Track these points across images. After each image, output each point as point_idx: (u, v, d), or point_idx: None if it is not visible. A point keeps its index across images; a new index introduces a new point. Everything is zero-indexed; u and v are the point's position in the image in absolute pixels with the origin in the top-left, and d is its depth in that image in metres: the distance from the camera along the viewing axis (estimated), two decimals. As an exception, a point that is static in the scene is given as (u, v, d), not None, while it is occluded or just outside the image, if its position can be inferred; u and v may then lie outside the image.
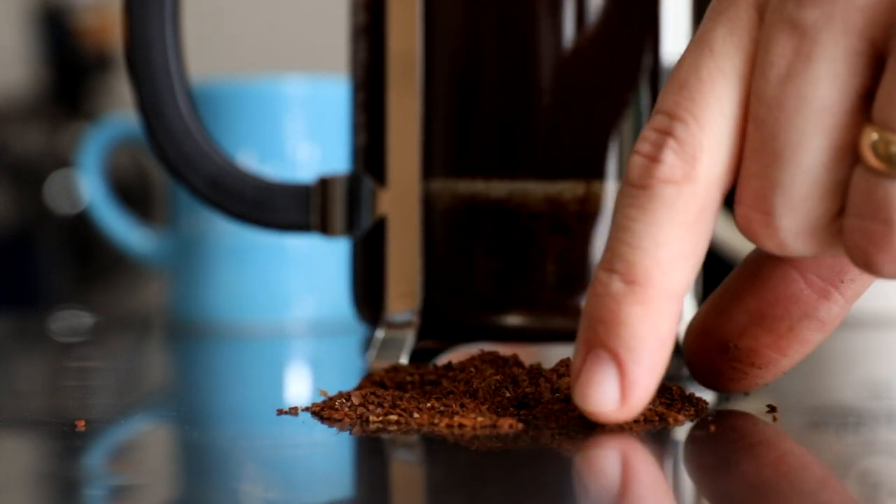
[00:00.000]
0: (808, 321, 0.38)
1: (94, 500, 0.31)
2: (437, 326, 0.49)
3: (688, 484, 0.33)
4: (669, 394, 0.41)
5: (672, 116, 0.35)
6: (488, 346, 0.45)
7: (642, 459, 0.35)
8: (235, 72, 1.11)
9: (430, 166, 0.50)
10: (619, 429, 0.37)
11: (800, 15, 0.33)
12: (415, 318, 0.49)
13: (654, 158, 0.34)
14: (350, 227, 0.52)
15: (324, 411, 0.40)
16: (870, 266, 0.33)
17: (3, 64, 1.38)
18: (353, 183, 0.52)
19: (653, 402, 0.39)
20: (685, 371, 0.49)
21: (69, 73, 1.33)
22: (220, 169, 0.53)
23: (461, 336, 0.50)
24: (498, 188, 0.49)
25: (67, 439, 0.37)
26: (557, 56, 0.49)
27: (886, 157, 0.32)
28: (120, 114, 0.97)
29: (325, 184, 0.53)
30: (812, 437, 0.38)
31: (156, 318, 0.96)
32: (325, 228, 0.53)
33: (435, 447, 0.36)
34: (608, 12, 0.49)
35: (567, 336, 0.49)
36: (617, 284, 0.34)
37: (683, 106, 0.34)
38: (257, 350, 0.69)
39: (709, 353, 0.40)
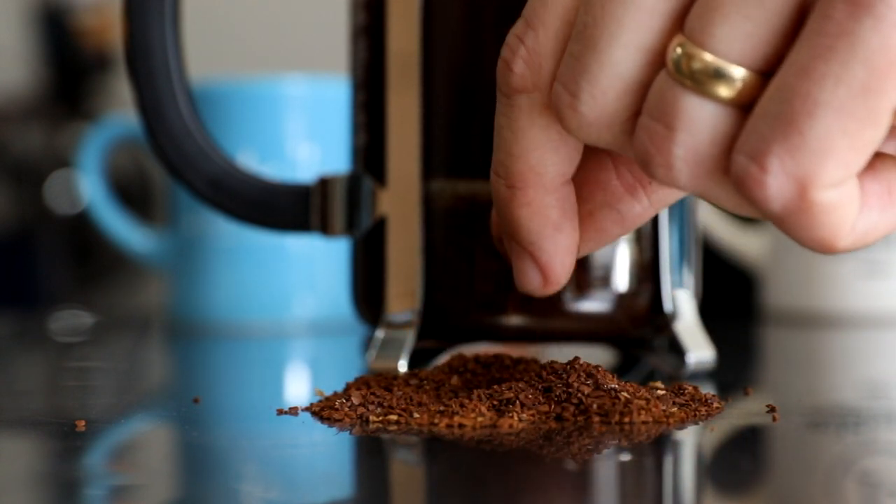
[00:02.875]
0: (609, 211, 0.39)
1: (94, 500, 0.31)
2: (437, 326, 0.49)
3: (688, 484, 0.33)
4: (683, 394, 0.41)
5: (527, 23, 0.36)
6: (488, 347, 0.45)
7: (642, 459, 0.35)
8: (235, 72, 1.11)
9: (430, 166, 0.50)
10: (622, 427, 0.37)
11: None
12: (415, 318, 0.49)
13: (508, 67, 0.36)
14: (350, 227, 0.52)
15: (324, 411, 0.40)
16: (646, 165, 0.34)
17: (3, 64, 1.38)
18: (353, 183, 0.52)
19: (665, 402, 0.39)
20: (687, 370, 0.49)
21: (69, 73, 1.33)
22: (220, 169, 0.53)
23: (461, 336, 0.50)
24: (498, 188, 0.49)
25: (67, 439, 0.37)
26: (557, 56, 0.49)
27: (687, 71, 0.32)
28: (120, 114, 0.97)
29: (325, 184, 0.53)
30: (812, 437, 0.38)
31: (156, 318, 0.96)
32: (325, 228, 0.53)
33: (435, 447, 0.36)
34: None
35: (567, 336, 0.49)
36: (503, 189, 0.37)
37: (537, 13, 0.36)
38: (257, 350, 0.69)
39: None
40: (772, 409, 0.41)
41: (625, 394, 0.39)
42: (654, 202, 0.38)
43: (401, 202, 0.50)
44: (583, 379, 0.39)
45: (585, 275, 0.48)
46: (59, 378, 0.60)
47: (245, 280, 0.78)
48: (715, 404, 0.41)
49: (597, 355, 0.53)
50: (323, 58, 0.99)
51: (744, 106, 0.32)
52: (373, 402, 0.40)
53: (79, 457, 0.36)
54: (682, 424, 0.38)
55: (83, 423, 0.39)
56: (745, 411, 0.41)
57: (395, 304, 0.50)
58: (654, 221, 0.50)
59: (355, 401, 0.40)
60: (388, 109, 0.50)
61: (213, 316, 0.78)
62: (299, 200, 0.53)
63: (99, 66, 1.33)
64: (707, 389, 0.43)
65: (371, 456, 0.36)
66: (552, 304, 0.48)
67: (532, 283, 0.38)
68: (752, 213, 0.34)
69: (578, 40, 0.34)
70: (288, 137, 0.78)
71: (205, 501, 0.31)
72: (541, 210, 0.37)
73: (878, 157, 0.34)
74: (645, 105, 0.34)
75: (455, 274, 0.49)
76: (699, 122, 0.33)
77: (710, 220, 0.87)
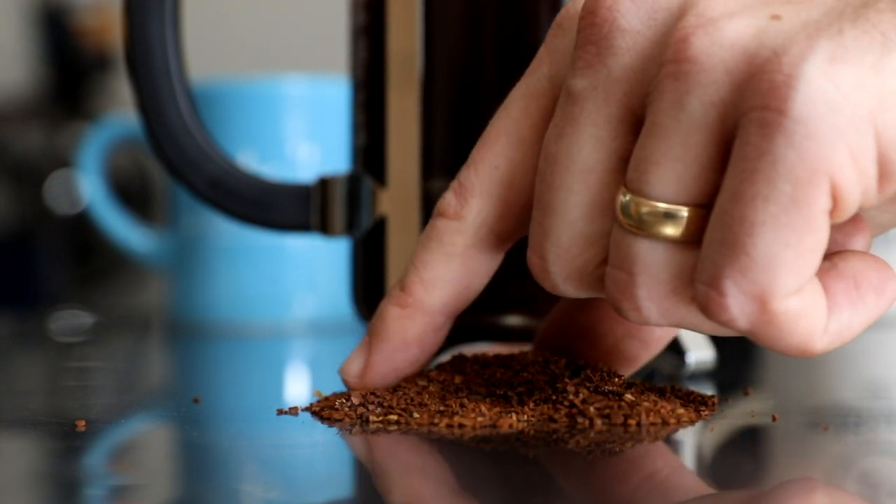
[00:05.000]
0: (631, 340, 0.41)
1: (94, 500, 0.31)
2: (437, 326, 0.49)
3: (687, 483, 0.33)
4: (688, 395, 0.41)
5: (468, 161, 0.39)
6: (488, 346, 0.45)
7: (642, 459, 0.35)
8: (235, 72, 1.11)
9: (430, 166, 0.50)
10: (626, 426, 0.37)
11: (572, 83, 0.36)
12: (415, 318, 0.49)
13: (443, 195, 0.39)
14: (350, 227, 0.52)
15: (324, 411, 0.40)
16: (618, 310, 0.36)
17: (3, 64, 1.38)
18: (353, 183, 0.52)
19: (671, 401, 0.39)
20: (685, 371, 0.49)
21: (69, 73, 1.33)
22: (220, 169, 0.53)
23: (461, 336, 0.50)
24: (498, 188, 0.49)
25: (67, 439, 0.37)
26: (557, 56, 0.49)
27: (635, 218, 0.34)
28: (120, 114, 0.97)
29: (325, 184, 0.53)
30: (812, 437, 0.38)
31: (156, 318, 0.96)
32: (325, 228, 0.53)
33: (435, 447, 0.36)
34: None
35: (567, 336, 0.49)
36: (394, 288, 0.40)
37: (474, 154, 0.39)
38: (257, 350, 0.69)
39: None
40: (774, 420, 0.41)
41: (629, 396, 0.39)
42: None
43: (401, 202, 0.50)
44: (584, 381, 0.39)
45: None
46: (59, 378, 0.60)
47: (245, 280, 0.78)
48: (710, 400, 0.41)
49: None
50: (323, 58, 0.99)
51: (693, 239, 0.34)
52: (373, 402, 0.40)
53: (79, 457, 0.36)
54: (688, 424, 0.38)
55: (83, 423, 0.39)
56: (745, 411, 0.41)
57: (395, 304, 0.49)
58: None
59: (355, 401, 0.40)
60: (388, 109, 0.50)
61: (213, 316, 0.78)
62: (299, 200, 0.53)
63: (99, 66, 1.33)
64: (707, 389, 0.43)
65: (371, 456, 0.36)
66: (552, 305, 0.48)
67: (351, 370, 0.41)
68: (729, 334, 0.35)
69: (537, 207, 0.37)
70: (288, 137, 0.78)
71: (205, 501, 0.31)
72: (407, 320, 0.40)
73: (840, 255, 0.35)
74: (609, 256, 0.36)
75: (455, 274, 0.49)
76: (655, 263, 0.34)
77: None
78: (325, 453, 0.36)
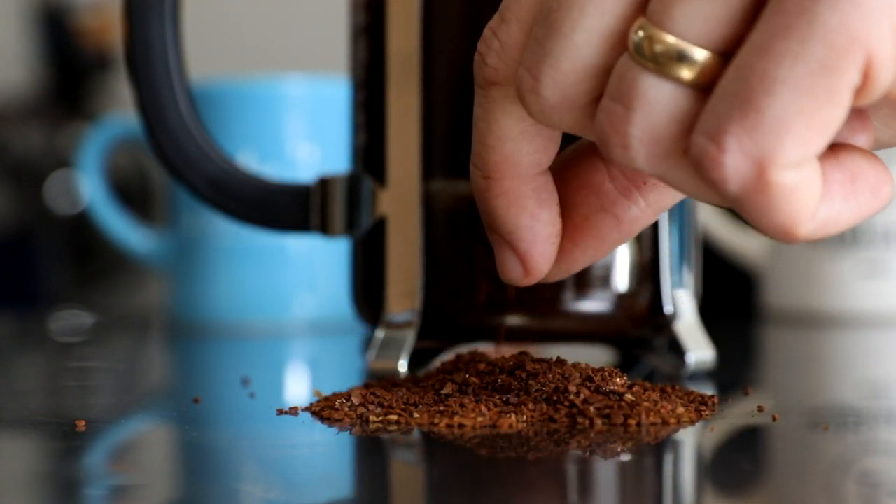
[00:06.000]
0: (605, 215, 0.38)
1: (94, 500, 0.31)
2: (437, 326, 0.49)
3: (687, 483, 0.33)
4: (688, 395, 0.41)
5: (501, 17, 0.36)
6: (488, 347, 0.45)
7: (642, 459, 0.35)
8: (235, 72, 1.11)
9: (430, 166, 0.50)
10: (627, 429, 0.37)
11: None
12: (415, 318, 0.49)
13: (483, 60, 0.37)
14: (350, 227, 0.52)
15: (324, 411, 0.40)
16: (604, 145, 0.34)
17: (3, 64, 1.38)
18: (353, 183, 0.52)
19: (672, 402, 0.39)
20: (685, 371, 0.49)
21: (69, 73, 1.33)
22: (220, 169, 0.53)
23: (461, 336, 0.50)
24: (498, 188, 0.49)
25: (67, 439, 0.37)
26: (557, 56, 0.49)
27: (648, 54, 0.32)
28: (120, 114, 0.97)
29: (325, 184, 0.53)
30: (812, 437, 0.38)
31: (156, 318, 0.96)
32: (325, 228, 0.53)
33: (435, 447, 0.36)
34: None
35: (567, 336, 0.49)
36: (479, 180, 0.38)
37: (510, 7, 0.36)
38: (257, 350, 0.69)
39: None
40: (761, 410, 0.41)
41: (630, 396, 0.39)
42: (651, 204, 0.38)
43: (401, 202, 0.50)
44: (584, 381, 0.39)
45: (585, 275, 0.48)
46: (59, 378, 0.60)
47: (245, 280, 0.78)
48: (710, 400, 0.41)
49: (597, 355, 0.53)
50: (323, 58, 0.99)
51: (703, 87, 0.32)
52: (373, 402, 0.40)
53: (79, 457, 0.36)
54: (689, 424, 0.38)
55: (83, 423, 0.39)
56: (745, 411, 0.41)
57: (395, 304, 0.50)
58: (654, 222, 0.50)
59: (355, 401, 0.40)
60: (388, 109, 0.50)
61: (213, 316, 0.78)
62: (299, 200, 0.53)
63: (99, 66, 1.33)
64: (707, 389, 0.43)
65: (371, 456, 0.36)
66: (552, 304, 0.48)
67: (513, 272, 0.38)
68: (712, 199, 0.33)
69: (542, 25, 0.35)
70: (288, 137, 0.78)
71: (205, 501, 0.31)
72: (517, 200, 0.37)
73: (842, 147, 0.34)
74: (607, 87, 0.34)
75: (455, 274, 0.49)
76: (657, 102, 0.33)
77: (710, 220, 0.87)
78: (325, 453, 0.36)
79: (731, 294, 0.90)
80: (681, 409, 0.39)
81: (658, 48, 0.32)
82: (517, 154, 0.37)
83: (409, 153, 0.50)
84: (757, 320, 0.85)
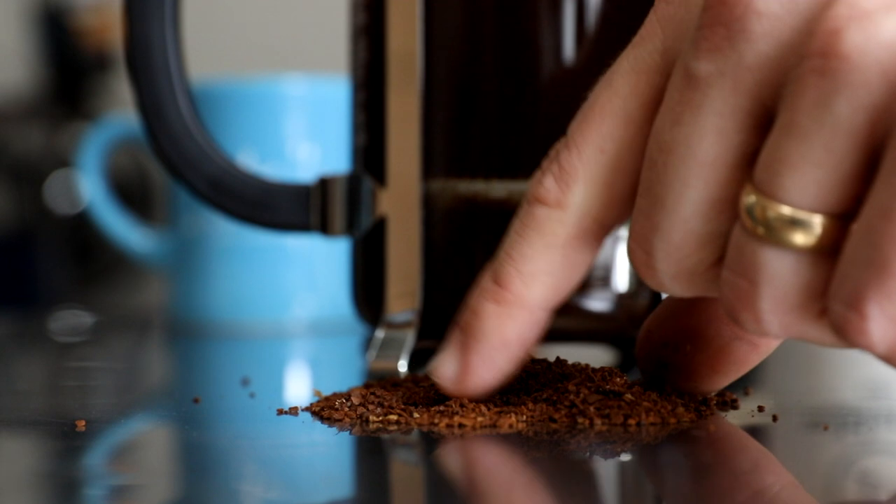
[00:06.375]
0: (740, 343, 0.39)
1: (94, 500, 0.31)
2: (437, 326, 0.49)
3: (687, 483, 0.33)
4: (688, 396, 0.41)
5: (566, 142, 0.36)
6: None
7: (642, 459, 0.35)
8: (235, 72, 1.11)
9: (430, 166, 0.50)
10: (625, 426, 0.37)
11: (695, 66, 0.33)
12: (415, 318, 0.49)
13: (539, 179, 0.37)
14: (350, 227, 0.52)
15: (324, 411, 0.40)
16: (734, 319, 0.33)
17: (3, 64, 1.38)
18: (353, 183, 0.52)
19: (671, 401, 0.39)
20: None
21: (69, 73, 1.33)
22: (220, 169, 0.53)
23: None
24: (498, 188, 0.49)
25: (67, 439, 0.37)
26: (557, 56, 0.49)
27: (762, 221, 0.32)
28: (120, 114, 0.97)
29: (325, 184, 0.53)
30: (812, 437, 0.38)
31: (156, 318, 0.96)
32: (325, 228, 0.53)
33: (435, 447, 0.36)
34: (608, 12, 0.49)
35: (566, 336, 0.49)
36: (487, 282, 0.37)
37: (574, 135, 0.36)
38: (257, 350, 0.69)
39: (652, 360, 0.41)
40: (761, 410, 0.41)
41: (629, 395, 0.39)
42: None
43: (401, 202, 0.50)
44: (585, 381, 0.39)
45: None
46: (59, 378, 0.60)
47: (245, 280, 0.78)
48: (710, 402, 0.41)
49: (597, 355, 0.53)
50: (323, 58, 0.99)
51: (825, 251, 0.32)
52: (373, 402, 0.39)
53: (79, 457, 0.36)
54: (688, 425, 0.38)
55: (83, 423, 0.39)
56: (745, 411, 0.41)
57: (395, 304, 0.50)
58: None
59: (355, 401, 0.40)
60: (388, 109, 0.50)
61: (213, 316, 0.78)
62: (299, 200, 0.53)
63: (99, 66, 1.33)
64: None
65: (371, 456, 0.36)
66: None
67: (445, 374, 0.38)
68: (847, 348, 0.33)
69: (645, 196, 0.34)
70: (288, 137, 0.78)
71: (205, 501, 0.31)
72: (505, 317, 0.37)
73: None
74: (725, 260, 0.33)
75: (455, 274, 0.49)
76: (781, 273, 0.32)
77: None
78: (325, 453, 0.36)
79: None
80: (681, 409, 0.39)
81: (771, 215, 0.32)
82: (533, 277, 0.37)
83: (409, 153, 0.50)
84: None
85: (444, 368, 0.38)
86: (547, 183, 0.36)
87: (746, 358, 0.39)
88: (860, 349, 0.31)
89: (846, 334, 0.31)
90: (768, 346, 0.39)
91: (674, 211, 0.34)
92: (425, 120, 0.50)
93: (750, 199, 0.32)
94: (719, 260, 0.34)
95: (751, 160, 0.33)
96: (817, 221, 0.31)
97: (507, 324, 0.37)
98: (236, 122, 0.77)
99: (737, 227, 0.33)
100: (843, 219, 0.31)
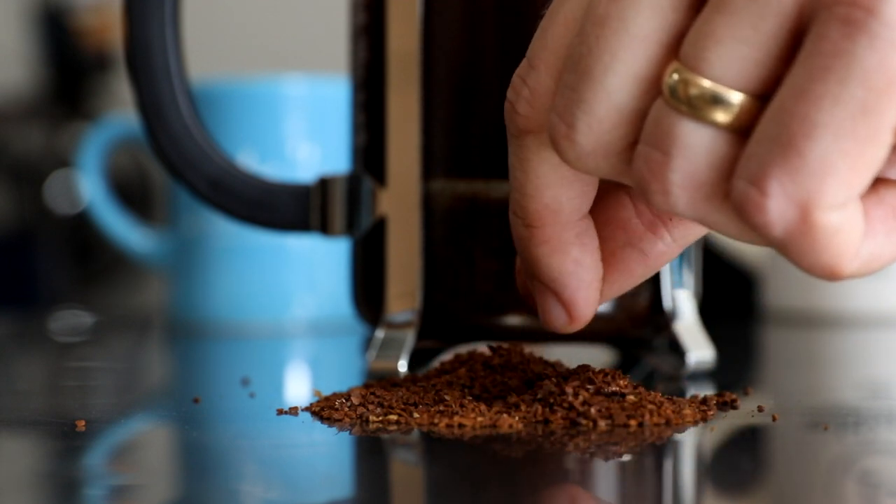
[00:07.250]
0: (631, 250, 0.38)
1: (94, 500, 0.31)
2: (437, 326, 0.49)
3: (687, 483, 0.33)
4: (691, 398, 0.41)
5: (530, 63, 0.36)
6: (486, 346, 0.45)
7: (642, 459, 0.35)
8: (235, 72, 1.11)
9: (430, 166, 0.50)
10: (627, 426, 0.37)
11: None
12: (415, 318, 0.49)
13: (514, 108, 0.36)
14: (350, 227, 0.52)
15: (324, 411, 0.40)
16: (643, 192, 0.33)
17: (3, 64, 1.38)
18: (353, 183, 0.52)
19: (675, 401, 0.39)
20: (685, 371, 0.49)
21: (69, 73, 1.33)
22: (220, 169, 0.53)
23: (461, 336, 0.50)
24: (498, 188, 0.49)
25: (67, 439, 0.37)
26: (557, 56, 0.49)
27: (684, 99, 0.32)
28: (120, 114, 0.97)
29: (325, 184, 0.53)
30: (812, 437, 0.38)
31: (156, 318, 0.96)
32: (325, 228, 0.53)
33: (435, 447, 0.36)
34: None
35: (567, 336, 0.49)
36: (521, 228, 0.37)
37: (538, 52, 0.36)
38: (257, 350, 0.69)
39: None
40: (761, 410, 0.41)
41: (632, 397, 0.39)
42: (677, 238, 0.38)
43: (401, 202, 0.50)
44: (585, 383, 0.39)
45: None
46: (59, 378, 0.60)
47: (245, 280, 0.78)
48: (710, 402, 0.41)
49: (597, 355, 0.53)
50: (323, 58, 0.99)
51: (741, 130, 0.32)
52: (373, 402, 0.40)
53: (79, 457, 0.36)
54: (690, 425, 0.38)
55: (83, 423, 0.39)
56: (745, 411, 0.41)
57: (395, 304, 0.50)
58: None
59: (355, 401, 0.40)
60: (388, 109, 0.50)
61: (213, 316, 0.78)
62: (299, 200, 0.53)
63: (99, 66, 1.33)
64: (707, 389, 0.43)
65: (371, 456, 0.36)
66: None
67: (557, 320, 0.38)
68: (755, 240, 0.33)
69: (573, 71, 0.34)
70: (288, 137, 0.78)
71: (205, 501, 0.31)
72: (560, 247, 0.37)
73: (882, 182, 0.33)
74: (642, 133, 0.33)
75: (455, 274, 0.49)
76: (696, 147, 0.32)
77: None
78: (325, 453, 0.36)
79: (731, 294, 0.90)
80: (685, 410, 0.39)
81: (693, 92, 0.32)
82: (557, 201, 0.37)
83: (409, 153, 0.50)
84: (757, 320, 0.85)
85: (554, 319, 0.38)
86: (523, 110, 0.36)
87: (634, 268, 0.38)
88: (758, 233, 0.32)
89: (745, 212, 0.31)
90: (657, 258, 0.39)
91: (600, 83, 0.34)
92: (425, 120, 0.50)
93: (673, 77, 0.32)
94: (635, 142, 0.34)
95: (680, 42, 0.33)
96: (736, 100, 0.32)
97: (567, 249, 0.37)
98: (236, 122, 0.77)
99: (657, 102, 0.33)
100: (761, 100, 0.32)
